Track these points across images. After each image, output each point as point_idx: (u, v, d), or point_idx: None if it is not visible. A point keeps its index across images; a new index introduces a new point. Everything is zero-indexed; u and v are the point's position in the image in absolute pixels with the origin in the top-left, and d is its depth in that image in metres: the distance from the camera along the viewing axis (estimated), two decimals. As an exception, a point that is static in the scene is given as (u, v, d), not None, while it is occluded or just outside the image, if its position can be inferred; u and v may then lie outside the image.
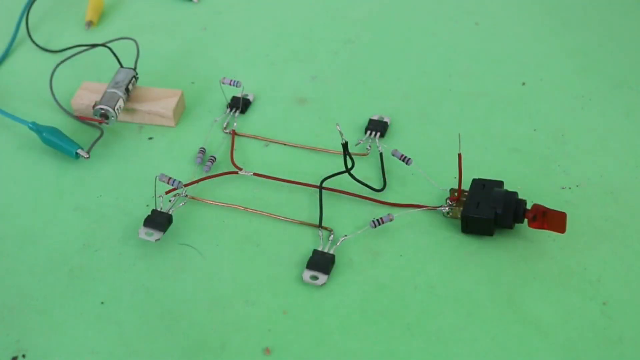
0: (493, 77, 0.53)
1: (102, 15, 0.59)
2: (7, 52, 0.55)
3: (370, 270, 0.40)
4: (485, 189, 0.41)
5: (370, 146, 0.47)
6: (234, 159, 0.46)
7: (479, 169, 0.45)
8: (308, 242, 0.41)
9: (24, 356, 0.36)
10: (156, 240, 0.40)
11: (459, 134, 0.41)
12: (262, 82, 0.52)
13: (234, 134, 0.48)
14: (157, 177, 0.42)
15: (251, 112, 0.50)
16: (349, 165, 0.42)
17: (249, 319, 0.37)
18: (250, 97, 0.50)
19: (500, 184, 0.41)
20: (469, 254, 0.40)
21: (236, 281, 0.39)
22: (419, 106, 0.50)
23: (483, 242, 0.41)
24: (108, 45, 0.50)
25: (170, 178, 0.42)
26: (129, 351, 0.36)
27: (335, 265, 0.39)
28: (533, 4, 0.59)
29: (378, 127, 0.47)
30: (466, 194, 0.41)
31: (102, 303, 0.38)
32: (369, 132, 0.47)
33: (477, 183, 0.41)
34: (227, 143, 0.47)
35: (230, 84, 0.48)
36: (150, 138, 0.48)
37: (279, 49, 0.56)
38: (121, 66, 0.50)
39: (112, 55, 0.50)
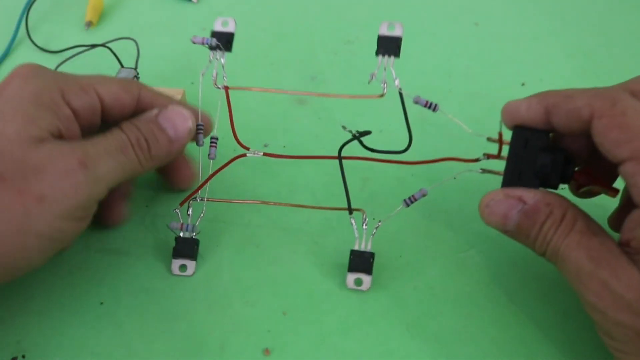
0: (493, 77, 0.53)
1: (102, 16, 0.59)
2: (7, 53, 0.55)
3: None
4: (530, 146, 0.36)
5: (386, 82, 0.40)
6: (237, 134, 0.41)
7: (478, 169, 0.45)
8: (308, 243, 0.41)
9: (23, 356, 0.36)
10: (193, 274, 0.40)
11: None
12: (261, 83, 0.52)
13: (227, 91, 0.41)
14: (169, 226, 0.40)
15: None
16: (366, 137, 0.38)
17: (249, 319, 0.37)
18: (231, 26, 0.42)
19: (546, 137, 0.36)
20: (469, 255, 0.40)
21: (236, 282, 0.39)
22: (418, 106, 0.50)
23: (482, 242, 0.41)
24: (108, 45, 0.50)
25: (182, 223, 0.40)
26: (128, 352, 0.36)
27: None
28: (533, 4, 0.59)
29: (392, 46, 0.39)
30: (507, 144, 0.37)
31: (101, 304, 0.38)
32: (380, 56, 0.39)
33: (518, 136, 0.36)
34: (224, 104, 0.42)
35: (202, 43, 0.41)
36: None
37: (279, 49, 0.56)
38: (122, 66, 0.50)
39: (112, 55, 0.50)
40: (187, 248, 0.39)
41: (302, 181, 0.45)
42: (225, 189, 0.44)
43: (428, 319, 0.37)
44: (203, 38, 0.41)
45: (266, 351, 0.36)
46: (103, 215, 0.40)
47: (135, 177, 0.37)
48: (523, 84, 0.52)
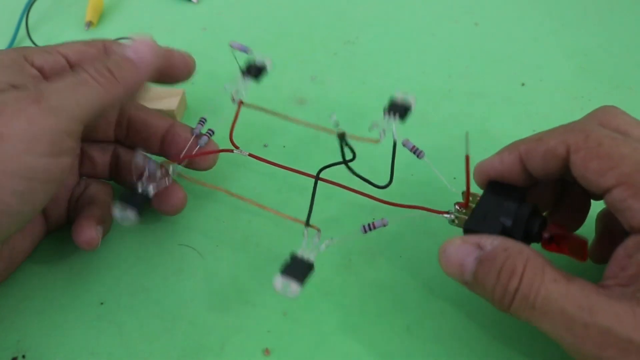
0: (492, 77, 0.53)
1: (102, 16, 0.59)
2: (7, 52, 0.55)
3: (370, 271, 0.40)
4: (500, 197, 0.35)
5: (384, 131, 0.40)
6: (234, 136, 0.42)
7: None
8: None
9: (23, 357, 0.36)
10: (126, 219, 0.38)
11: (467, 133, 0.36)
12: (261, 82, 0.52)
13: (240, 104, 0.44)
14: (134, 159, 0.39)
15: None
16: (350, 157, 0.37)
17: (249, 320, 0.38)
18: (268, 63, 0.45)
19: (521, 191, 0.35)
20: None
21: (236, 282, 0.39)
22: (418, 106, 0.50)
23: (482, 242, 0.41)
24: (108, 45, 0.50)
25: (145, 158, 0.39)
26: (128, 352, 0.36)
27: (314, 272, 0.37)
28: (533, 4, 0.59)
29: (399, 109, 0.41)
30: (478, 198, 0.36)
31: (101, 304, 0.38)
32: (387, 113, 0.40)
33: (492, 188, 0.36)
34: (233, 115, 0.44)
35: (239, 49, 0.43)
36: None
37: (279, 49, 0.56)
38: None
39: (112, 55, 0.50)
40: (136, 200, 0.38)
41: (303, 181, 0.45)
42: (228, 184, 0.44)
43: (428, 319, 0.37)
44: (241, 45, 0.43)
45: (266, 351, 0.36)
46: (73, 234, 0.38)
47: (106, 106, 0.35)
48: (523, 84, 0.52)
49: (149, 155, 0.42)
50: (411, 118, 0.49)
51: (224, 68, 0.54)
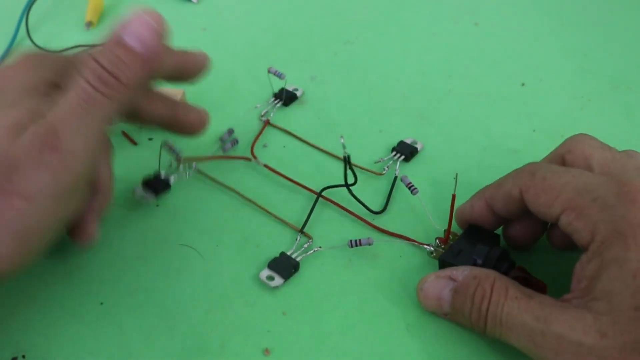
0: (492, 77, 0.53)
1: (102, 16, 0.59)
2: (7, 53, 0.55)
3: (370, 271, 0.40)
4: (476, 239, 0.38)
5: (388, 167, 0.45)
6: (255, 148, 0.46)
7: (477, 170, 0.45)
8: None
9: (23, 356, 0.36)
10: (151, 201, 0.42)
11: (456, 174, 0.39)
12: (261, 83, 0.52)
13: (267, 123, 0.48)
14: (163, 143, 0.43)
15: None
16: (352, 180, 0.40)
17: (249, 319, 0.38)
18: (299, 93, 0.51)
19: (495, 237, 0.39)
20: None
21: (236, 282, 0.39)
22: (418, 107, 0.50)
23: (482, 242, 0.41)
24: (108, 45, 0.50)
25: (173, 147, 0.43)
26: (128, 352, 0.36)
27: (298, 273, 0.39)
28: (533, 4, 0.59)
29: (405, 151, 0.45)
30: (457, 236, 0.39)
31: (101, 304, 0.38)
32: (394, 152, 0.46)
33: (471, 230, 0.39)
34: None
35: (275, 74, 0.48)
36: (150, 139, 0.48)
37: (278, 49, 0.56)
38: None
39: (112, 55, 0.50)
40: (157, 185, 0.43)
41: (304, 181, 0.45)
42: (233, 180, 0.44)
43: (428, 319, 0.37)
44: (277, 71, 0.48)
45: (266, 351, 0.36)
46: (70, 232, 0.38)
47: (118, 114, 0.33)
48: (523, 84, 0.52)
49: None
50: (411, 118, 0.49)
51: (223, 68, 0.54)
